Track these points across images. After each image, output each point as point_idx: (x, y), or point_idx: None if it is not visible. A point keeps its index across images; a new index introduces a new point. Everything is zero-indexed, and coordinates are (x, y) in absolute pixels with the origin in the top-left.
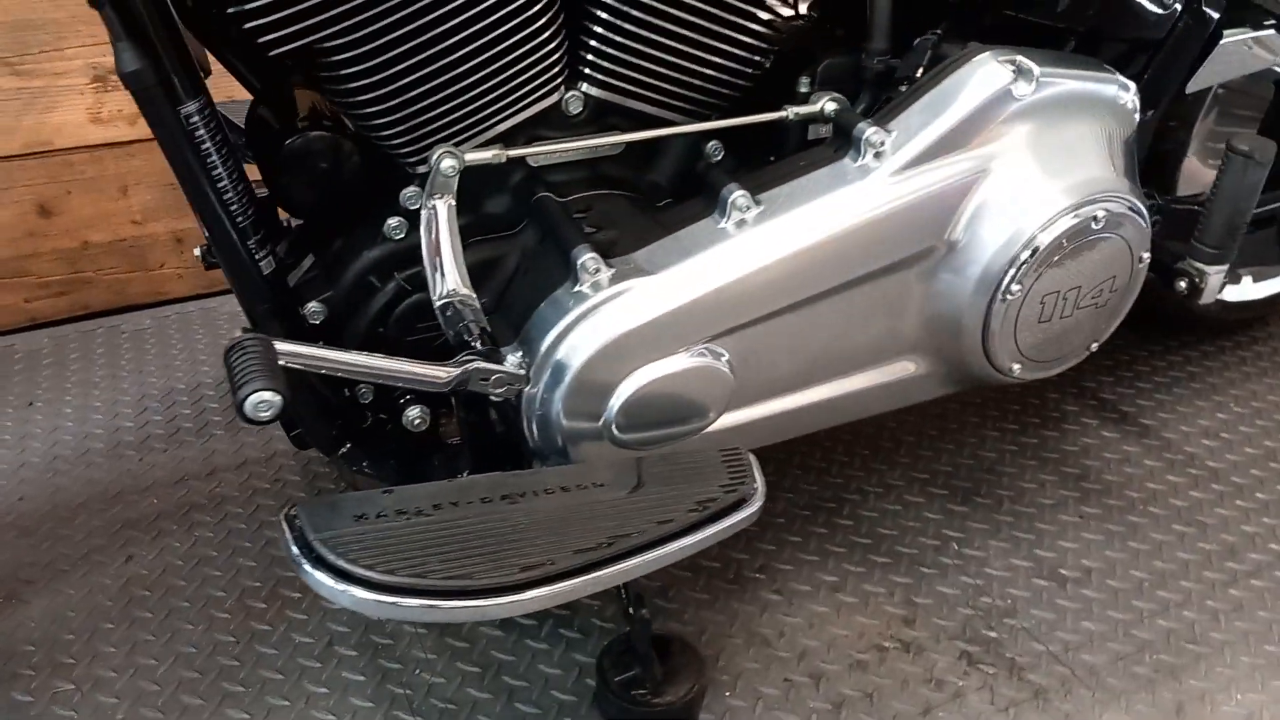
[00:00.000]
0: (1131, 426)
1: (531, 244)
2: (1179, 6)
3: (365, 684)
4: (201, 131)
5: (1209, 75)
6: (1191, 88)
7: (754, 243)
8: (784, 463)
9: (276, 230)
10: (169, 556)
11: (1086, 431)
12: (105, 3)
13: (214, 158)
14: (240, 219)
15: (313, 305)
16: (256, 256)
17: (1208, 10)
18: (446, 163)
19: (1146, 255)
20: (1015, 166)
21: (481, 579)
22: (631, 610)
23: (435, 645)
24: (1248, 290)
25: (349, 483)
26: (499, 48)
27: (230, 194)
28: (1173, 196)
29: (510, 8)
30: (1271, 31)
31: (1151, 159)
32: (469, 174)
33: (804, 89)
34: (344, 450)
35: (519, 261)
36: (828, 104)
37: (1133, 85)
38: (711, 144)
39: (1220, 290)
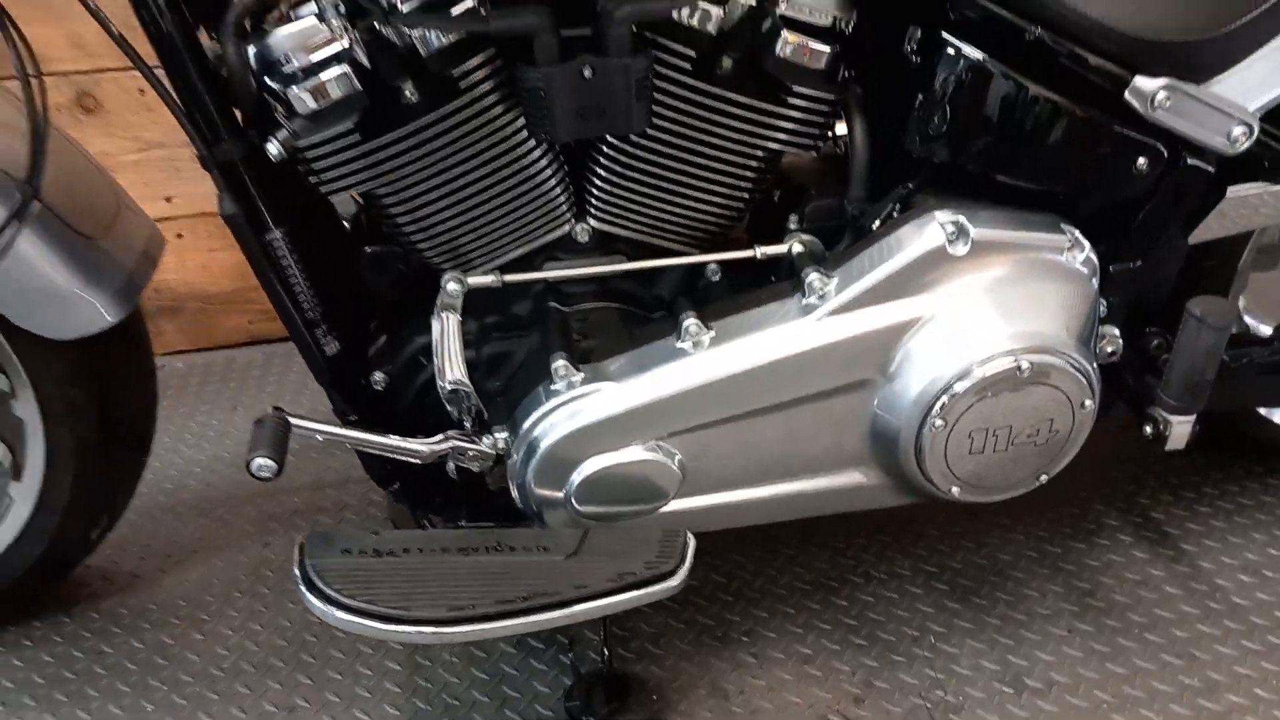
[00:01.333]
0: (1167, 549)
1: (535, 344)
2: (1150, 165)
3: (400, 672)
4: (282, 250)
5: (1222, 226)
6: (1200, 238)
7: (703, 363)
8: (806, 538)
9: (346, 317)
10: (292, 549)
11: (1116, 548)
12: (214, 166)
13: (291, 269)
14: (310, 314)
15: (377, 375)
16: (321, 343)
17: (1200, 165)
18: (452, 285)
19: (1090, 403)
20: (947, 315)
21: (416, 611)
22: (605, 650)
23: (461, 652)
24: None
25: (391, 514)
26: (511, 195)
27: (303, 296)
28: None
29: (520, 164)
30: None
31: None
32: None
33: (792, 225)
34: (394, 487)
35: (524, 357)
36: (795, 245)
37: (1086, 245)
38: (711, 265)
39: (1187, 440)
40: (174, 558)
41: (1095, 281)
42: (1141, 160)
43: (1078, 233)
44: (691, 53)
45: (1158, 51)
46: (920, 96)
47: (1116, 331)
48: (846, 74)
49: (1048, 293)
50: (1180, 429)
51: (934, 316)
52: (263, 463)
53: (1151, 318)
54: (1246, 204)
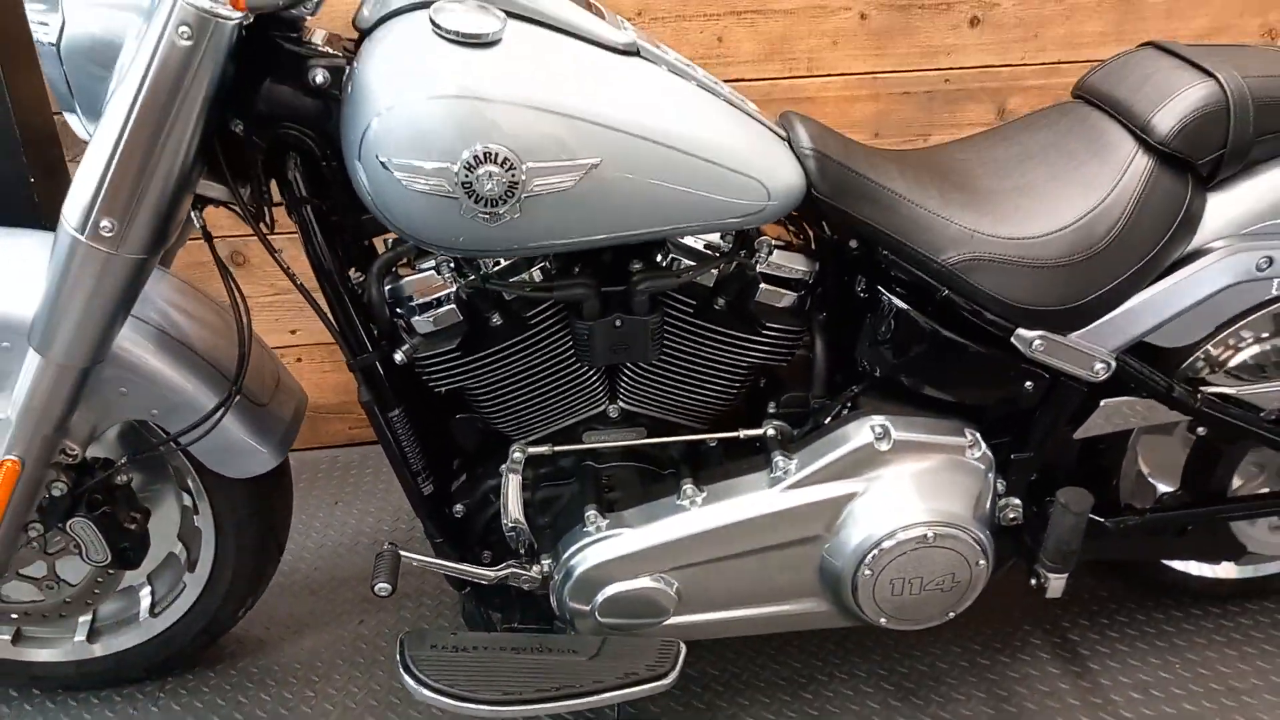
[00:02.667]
0: (1075, 666)
1: (575, 492)
2: (1035, 387)
3: None
4: (399, 423)
5: (1100, 425)
6: (1084, 434)
7: (696, 518)
8: (785, 642)
9: (442, 463)
10: (382, 627)
11: (1035, 663)
12: (357, 370)
13: (404, 435)
14: (414, 465)
15: (458, 507)
16: (421, 486)
17: (1075, 386)
18: (516, 454)
19: (984, 562)
20: (876, 493)
21: (480, 694)
22: None
23: None
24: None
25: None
26: (563, 389)
27: (410, 454)
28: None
29: (570, 372)
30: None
31: (1096, 472)
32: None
33: (771, 409)
34: (465, 591)
35: (567, 500)
36: (769, 429)
37: (983, 445)
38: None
39: (1063, 589)
40: (291, 629)
41: (991, 471)
42: (1028, 383)
43: (978, 435)
44: (693, 301)
45: (1034, 315)
46: (865, 326)
47: (1018, 501)
48: (810, 308)
49: (952, 480)
50: (1056, 583)
51: (866, 492)
52: (383, 586)
53: (1051, 489)
54: (1120, 411)
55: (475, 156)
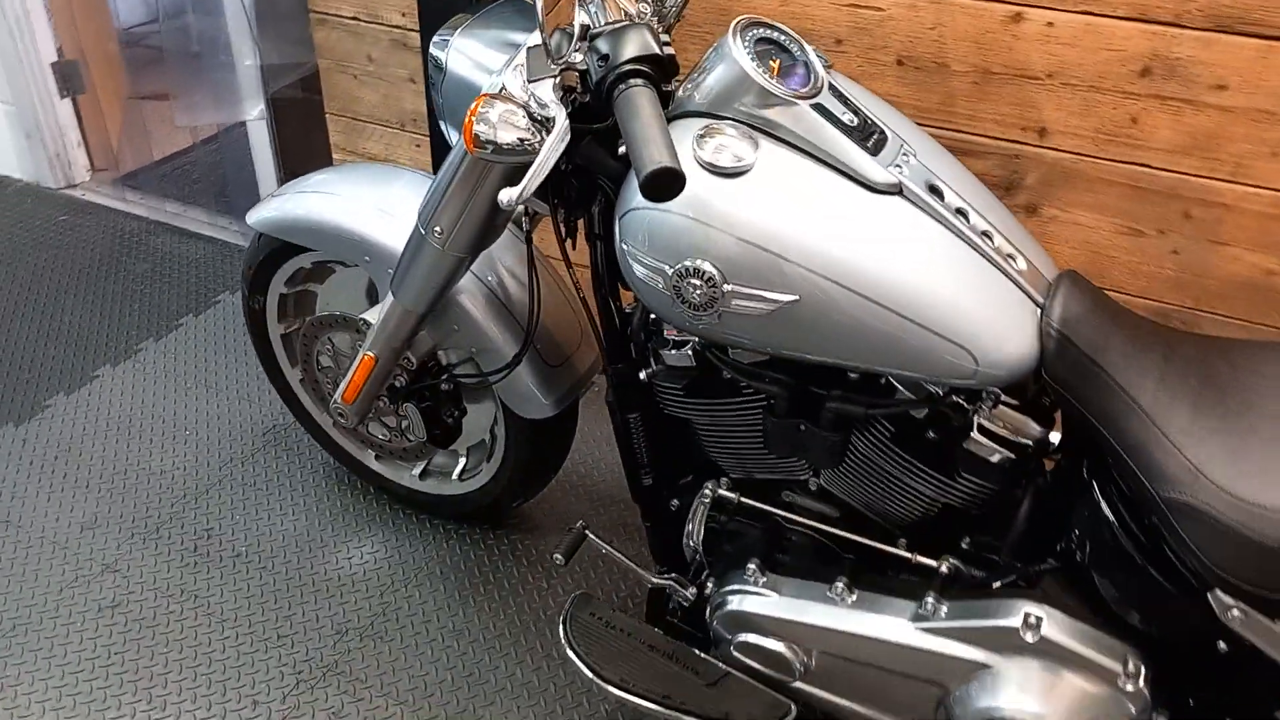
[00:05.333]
0: None
1: (754, 537)
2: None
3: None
4: (634, 425)
5: None
6: None
7: (839, 615)
8: None
9: (670, 465)
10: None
11: None
12: (610, 375)
13: (637, 434)
14: (640, 458)
15: (674, 501)
16: (642, 476)
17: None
18: (707, 490)
19: None
20: (1012, 674)
21: (602, 670)
22: None
23: None
24: None
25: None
26: (763, 454)
27: (638, 448)
28: None
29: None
30: None
31: None
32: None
33: (964, 544)
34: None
35: (742, 545)
36: (943, 566)
37: (1143, 685)
38: None
39: None
40: (551, 521)
41: (1146, 712)
42: (1222, 644)
43: (1143, 667)
44: (893, 428)
45: (1237, 589)
46: (1076, 510)
47: None
48: (1029, 471)
49: (1087, 698)
50: None
51: (1001, 670)
52: (558, 557)
53: None
54: None
55: (686, 268)
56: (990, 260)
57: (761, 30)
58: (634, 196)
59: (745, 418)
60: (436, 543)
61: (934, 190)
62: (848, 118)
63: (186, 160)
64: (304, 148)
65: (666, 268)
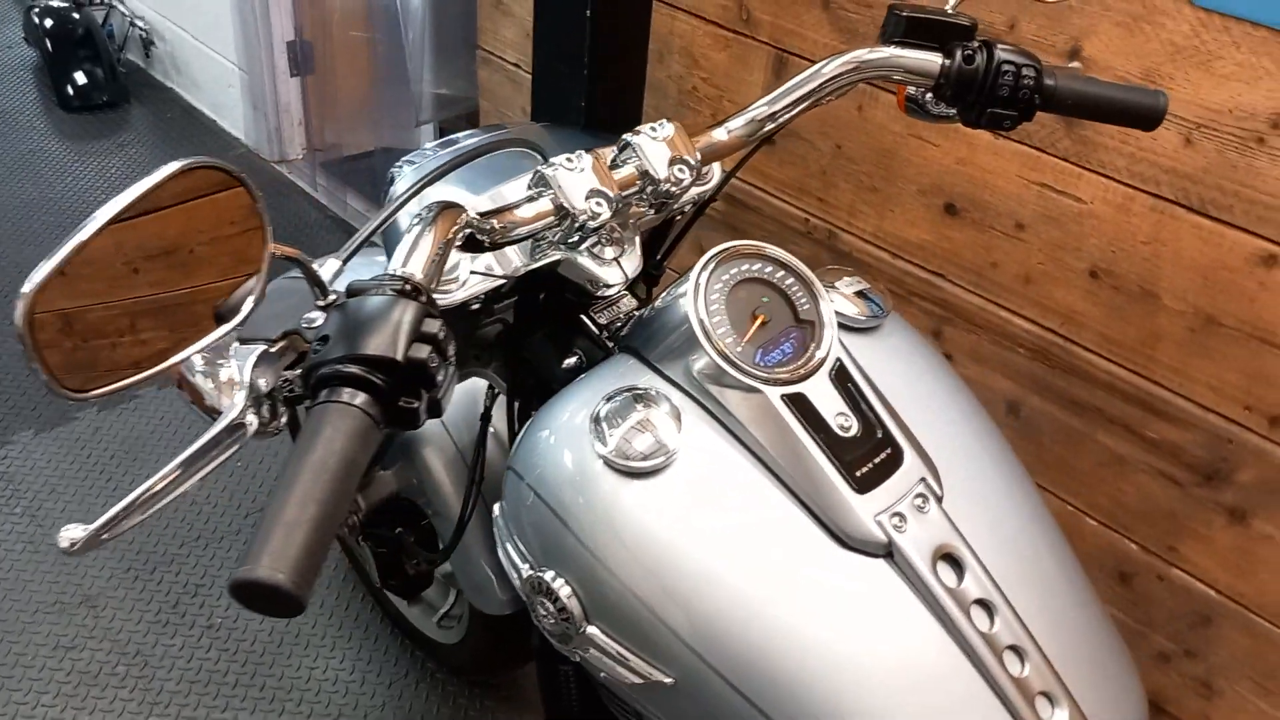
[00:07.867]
0: None
1: None
2: None
3: None
4: None
5: None
6: None
7: None
8: None
9: None
10: None
11: None
12: None
13: None
14: None
15: None
16: None
17: None
18: None
19: None
20: None
21: None
22: None
23: None
24: None
25: None
26: None
27: None
28: None
29: None
30: None
31: None
32: None
33: None
34: None
35: None
36: None
37: None
38: None
39: None
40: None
41: None
42: None
43: None
44: None
45: None
46: None
47: None
48: None
49: None
50: None
51: None
52: None
53: None
54: None
55: (540, 582)
56: (997, 693)
57: (758, 265)
58: (520, 454)
59: None
60: (409, 674)
61: (950, 562)
62: (839, 420)
63: (369, 163)
64: None
65: (521, 567)
